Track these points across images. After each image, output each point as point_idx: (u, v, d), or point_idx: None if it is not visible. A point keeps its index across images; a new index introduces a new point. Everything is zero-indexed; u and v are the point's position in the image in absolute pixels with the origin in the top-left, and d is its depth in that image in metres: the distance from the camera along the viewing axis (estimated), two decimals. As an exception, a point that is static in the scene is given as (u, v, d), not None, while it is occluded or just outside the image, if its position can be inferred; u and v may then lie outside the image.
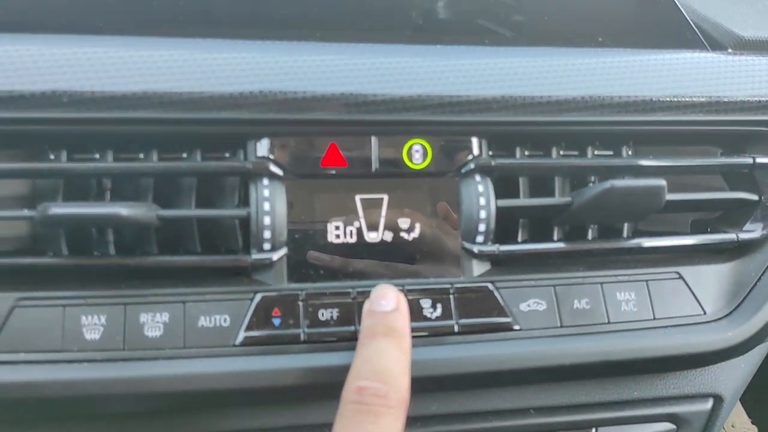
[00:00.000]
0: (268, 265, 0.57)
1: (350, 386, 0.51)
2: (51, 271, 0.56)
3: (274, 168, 0.58)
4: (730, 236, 0.67)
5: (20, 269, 0.55)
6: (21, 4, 0.60)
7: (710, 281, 0.65)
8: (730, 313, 0.65)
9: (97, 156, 0.57)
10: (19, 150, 0.57)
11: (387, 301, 0.55)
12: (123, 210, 0.53)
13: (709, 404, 0.72)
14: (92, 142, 0.57)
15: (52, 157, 0.57)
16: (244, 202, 0.59)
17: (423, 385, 0.60)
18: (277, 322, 0.57)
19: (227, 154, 0.59)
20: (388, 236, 0.60)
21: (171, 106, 0.55)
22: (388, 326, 0.54)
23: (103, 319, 0.54)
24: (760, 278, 0.67)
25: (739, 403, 0.79)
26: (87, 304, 0.54)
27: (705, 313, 0.64)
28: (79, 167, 0.55)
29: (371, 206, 0.60)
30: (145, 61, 0.55)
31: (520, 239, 0.65)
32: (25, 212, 0.55)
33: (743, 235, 0.67)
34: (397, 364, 0.52)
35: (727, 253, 0.68)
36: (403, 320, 0.55)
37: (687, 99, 0.64)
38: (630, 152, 0.67)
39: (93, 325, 0.54)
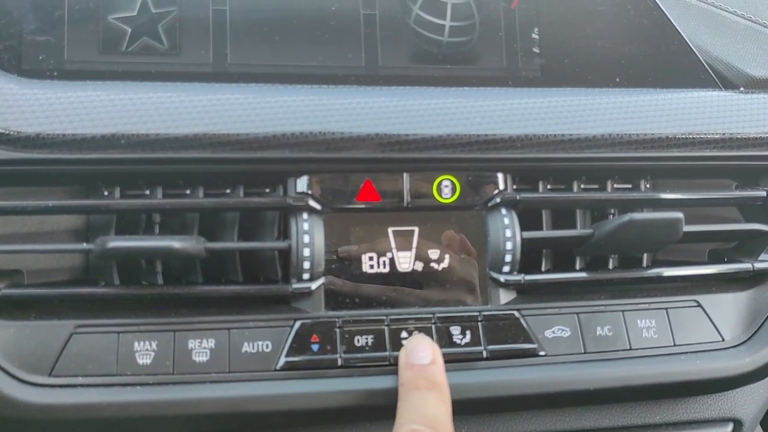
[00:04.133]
0: (306, 293, 0.61)
1: (402, 428, 0.52)
2: (104, 299, 0.60)
3: (312, 203, 0.62)
4: (746, 266, 0.69)
5: (78, 298, 0.59)
6: (86, 54, 0.65)
7: (728, 309, 0.68)
8: (748, 339, 0.67)
9: (147, 192, 0.61)
10: (74, 186, 0.62)
11: (424, 354, 0.58)
12: (176, 243, 0.57)
13: (729, 429, 0.73)
14: (143, 179, 0.61)
15: (105, 193, 0.61)
16: (284, 234, 0.63)
17: (453, 409, 0.62)
18: (315, 347, 0.60)
19: (267, 190, 0.63)
20: (419, 266, 0.63)
21: (218, 147, 0.59)
22: (430, 380, 0.56)
23: (154, 345, 0.58)
24: (776, 305, 0.69)
25: (759, 427, 0.81)
26: (139, 330, 0.58)
27: (723, 339, 0.67)
28: (135, 203, 0.60)
29: (403, 238, 0.63)
30: (195, 105, 0.60)
31: (543, 269, 0.68)
32: (84, 246, 0.59)
33: (759, 265, 0.69)
34: (444, 415, 0.54)
35: (744, 282, 0.71)
36: (441, 373, 0.57)
37: (702, 136, 0.67)
38: (648, 186, 0.70)
39: (145, 351, 0.58)
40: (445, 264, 0.64)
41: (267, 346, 0.59)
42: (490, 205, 0.65)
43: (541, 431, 0.69)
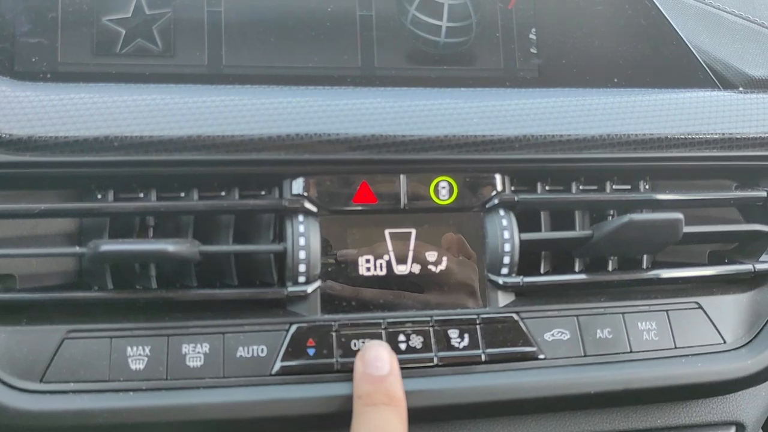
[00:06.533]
0: (302, 297, 0.60)
1: None
2: (97, 303, 0.59)
3: (308, 205, 0.61)
4: (747, 267, 0.69)
5: (70, 303, 0.59)
6: (80, 57, 0.64)
7: (729, 311, 0.67)
8: (750, 341, 0.66)
9: (141, 195, 0.61)
10: (67, 190, 0.61)
11: (382, 364, 0.56)
12: (169, 246, 0.56)
13: (731, 432, 0.73)
14: (136, 182, 0.61)
15: (99, 196, 0.60)
16: (279, 237, 0.63)
17: (451, 413, 0.62)
18: (311, 351, 0.59)
19: (263, 192, 0.63)
20: (416, 269, 0.63)
21: (214, 149, 0.59)
22: (388, 394, 0.55)
23: (147, 350, 0.57)
24: (778, 307, 0.69)
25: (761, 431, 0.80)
26: (132, 335, 0.57)
27: (725, 342, 0.66)
28: (129, 206, 0.59)
29: (400, 240, 0.63)
30: (190, 107, 0.59)
31: (542, 271, 0.68)
32: (77, 249, 0.58)
33: (760, 266, 0.69)
34: None
35: (745, 283, 0.70)
36: (399, 385, 0.56)
37: (701, 136, 0.66)
38: (647, 186, 0.70)
39: (138, 356, 0.57)
40: (442, 266, 0.63)
41: (262, 351, 0.58)
42: (488, 206, 0.64)
43: (540, 436, 0.68)
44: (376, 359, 0.57)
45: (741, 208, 0.73)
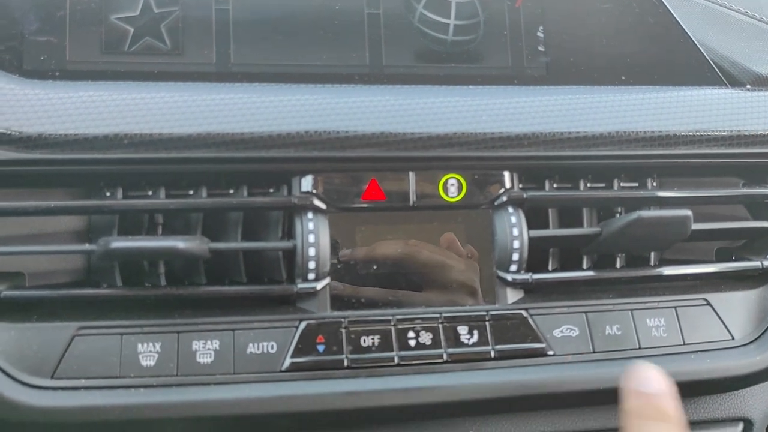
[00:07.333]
0: (312, 294, 0.60)
1: None
2: (107, 300, 0.59)
3: (317, 202, 0.61)
4: (755, 264, 0.69)
5: (80, 300, 0.59)
6: (90, 55, 0.65)
7: (737, 307, 0.67)
8: (758, 337, 0.66)
9: (150, 193, 0.61)
10: (77, 187, 0.61)
11: (654, 383, 0.50)
12: (179, 244, 0.56)
13: (739, 428, 0.73)
14: (145, 179, 0.61)
15: (108, 193, 0.61)
16: (288, 234, 0.63)
17: (460, 409, 0.62)
18: (321, 348, 0.59)
19: (272, 190, 0.63)
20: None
21: (222, 146, 0.59)
22: (660, 410, 0.49)
23: (157, 347, 0.57)
24: (786, 304, 0.69)
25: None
26: (143, 332, 0.57)
27: (733, 338, 0.66)
28: (138, 204, 0.59)
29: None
30: (198, 104, 0.59)
31: (551, 267, 0.68)
32: (87, 246, 0.58)
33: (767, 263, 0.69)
34: None
35: (753, 280, 0.70)
36: (675, 406, 0.49)
37: (708, 133, 0.66)
38: (655, 184, 0.70)
39: (148, 353, 0.57)
40: (451, 263, 0.63)
41: (272, 347, 0.58)
42: (496, 203, 0.64)
43: (549, 432, 0.68)
44: (647, 379, 0.51)
45: (748, 205, 0.73)
